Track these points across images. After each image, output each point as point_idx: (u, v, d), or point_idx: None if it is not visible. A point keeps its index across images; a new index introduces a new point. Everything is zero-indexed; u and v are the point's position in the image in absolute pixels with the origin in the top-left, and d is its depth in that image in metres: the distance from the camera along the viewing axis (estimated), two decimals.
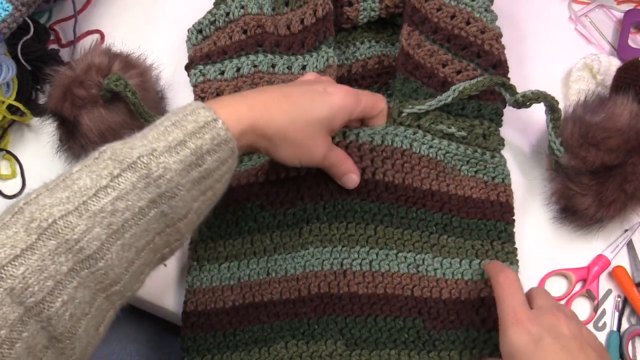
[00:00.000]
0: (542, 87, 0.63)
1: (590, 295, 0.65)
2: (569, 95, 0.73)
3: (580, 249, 0.67)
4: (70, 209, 0.42)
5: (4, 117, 0.71)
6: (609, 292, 0.66)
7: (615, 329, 0.64)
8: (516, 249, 0.64)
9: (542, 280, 0.65)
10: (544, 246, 0.67)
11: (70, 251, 0.41)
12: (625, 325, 0.64)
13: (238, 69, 0.68)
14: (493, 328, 0.58)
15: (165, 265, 0.51)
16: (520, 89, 0.63)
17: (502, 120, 0.67)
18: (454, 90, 0.63)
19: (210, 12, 0.70)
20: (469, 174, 0.65)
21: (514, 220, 0.65)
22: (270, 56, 0.68)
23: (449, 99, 0.63)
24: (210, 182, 0.48)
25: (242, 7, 0.69)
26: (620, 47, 0.76)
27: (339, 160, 0.60)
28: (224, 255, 0.62)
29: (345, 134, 0.63)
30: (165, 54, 0.72)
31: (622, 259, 0.67)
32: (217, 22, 0.70)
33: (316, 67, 0.67)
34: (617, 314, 0.65)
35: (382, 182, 0.61)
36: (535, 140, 0.71)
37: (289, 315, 0.58)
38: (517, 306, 0.51)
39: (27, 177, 0.73)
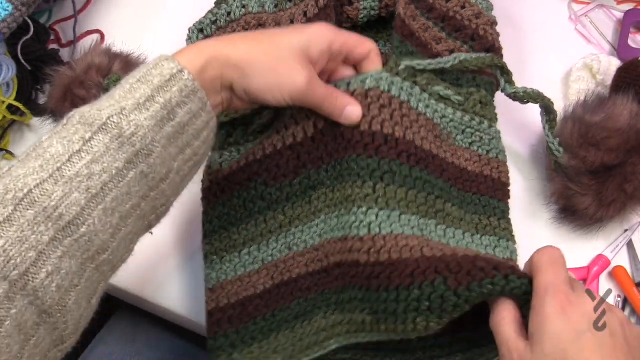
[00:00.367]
0: (542, 87, 0.63)
1: (590, 295, 0.65)
2: (569, 95, 0.73)
3: (580, 249, 0.67)
4: (45, 176, 0.41)
5: (4, 117, 0.71)
6: (609, 292, 0.66)
7: None
8: (511, 225, 0.62)
9: None
10: (544, 246, 0.67)
11: (49, 219, 0.40)
12: None
13: None
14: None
15: (152, 233, 0.50)
16: None
17: (494, 96, 0.66)
18: (455, 58, 0.60)
19: (211, 11, 0.70)
20: (464, 145, 0.62)
21: (508, 198, 0.63)
22: None
23: (449, 64, 0.60)
24: (187, 138, 0.47)
25: (244, 7, 0.69)
26: (620, 47, 0.76)
27: (331, 94, 0.54)
28: (241, 241, 0.60)
29: (336, 85, 0.57)
30: (165, 53, 0.72)
31: (622, 259, 0.67)
32: (218, 21, 0.70)
33: None
34: None
35: (380, 133, 0.55)
36: (534, 140, 0.71)
37: (319, 286, 0.56)
38: (560, 284, 0.44)
39: None
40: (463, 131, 0.62)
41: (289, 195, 0.59)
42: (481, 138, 0.63)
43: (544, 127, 0.63)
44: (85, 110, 0.44)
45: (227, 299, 0.58)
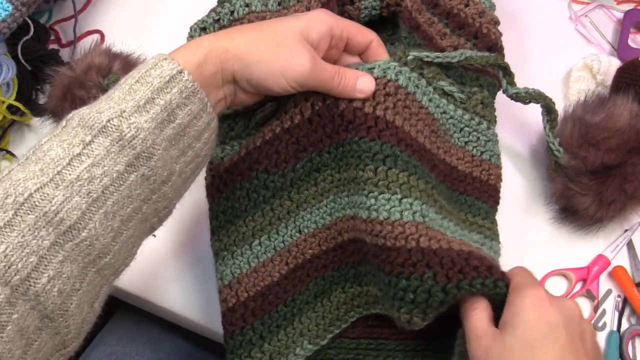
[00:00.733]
0: (542, 87, 0.63)
1: (590, 295, 0.65)
2: (569, 95, 0.73)
3: (580, 249, 0.67)
4: (45, 180, 0.40)
5: (4, 117, 0.71)
6: (609, 292, 0.66)
7: (615, 329, 0.64)
8: (496, 225, 0.63)
9: (542, 280, 0.65)
10: (544, 246, 0.67)
11: (50, 224, 0.40)
12: (625, 325, 0.64)
13: None
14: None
15: (154, 236, 0.50)
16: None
17: (495, 97, 0.66)
18: (462, 54, 0.60)
19: (214, 10, 0.70)
20: (459, 143, 0.62)
21: (495, 202, 0.63)
22: None
23: (455, 59, 0.60)
24: (188, 140, 0.47)
25: (247, 5, 0.69)
26: (620, 47, 0.76)
27: (337, 71, 0.53)
28: (250, 233, 0.59)
29: None
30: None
31: (622, 259, 0.67)
32: (221, 20, 0.69)
33: None
34: (617, 314, 0.65)
35: (383, 119, 0.55)
36: (535, 140, 0.71)
37: (335, 262, 0.58)
38: (537, 284, 0.46)
39: None
40: (461, 129, 0.62)
41: (293, 181, 0.58)
42: (478, 138, 0.63)
43: (545, 127, 0.63)
44: (84, 112, 0.43)
45: (246, 292, 0.58)
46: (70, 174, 0.41)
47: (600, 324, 0.64)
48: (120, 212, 0.43)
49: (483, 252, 0.51)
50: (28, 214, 0.40)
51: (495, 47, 0.65)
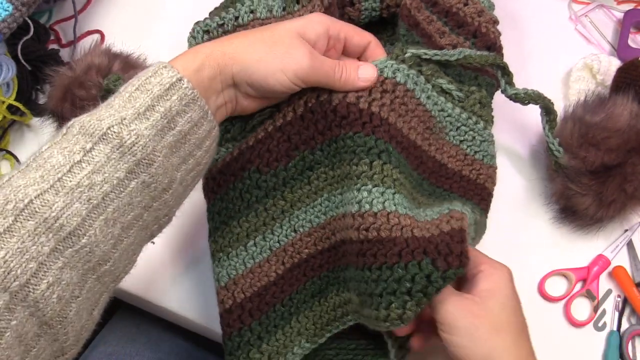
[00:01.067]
0: (542, 87, 0.63)
1: (590, 295, 0.65)
2: (569, 95, 0.73)
3: (580, 249, 0.67)
4: (45, 187, 0.41)
5: (4, 117, 0.71)
6: (609, 292, 0.66)
7: (615, 329, 0.64)
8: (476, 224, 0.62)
9: (542, 280, 0.65)
10: (544, 246, 0.67)
11: (50, 230, 0.40)
12: (625, 325, 0.64)
13: None
14: None
15: (153, 242, 0.50)
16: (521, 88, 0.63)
17: (493, 97, 0.65)
18: (460, 52, 0.60)
19: (218, 14, 0.69)
20: (454, 141, 0.61)
21: (484, 201, 0.63)
22: None
23: (454, 57, 0.59)
24: (189, 148, 0.47)
25: (252, 12, 0.68)
26: (620, 47, 0.76)
27: (337, 63, 0.53)
28: (244, 234, 0.59)
29: None
30: (165, 54, 0.72)
31: (622, 259, 0.67)
32: (225, 25, 0.69)
33: None
34: (617, 314, 0.65)
35: (378, 116, 0.54)
36: (534, 140, 0.71)
37: (330, 263, 0.57)
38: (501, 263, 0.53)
39: None
40: (457, 128, 0.61)
41: (286, 180, 0.57)
42: (473, 138, 0.62)
43: (544, 128, 0.63)
44: (85, 120, 0.44)
45: (243, 293, 0.58)
46: (70, 181, 0.41)
47: (600, 324, 0.64)
48: (121, 219, 0.43)
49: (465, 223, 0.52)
50: (28, 220, 0.40)
51: (494, 46, 0.64)
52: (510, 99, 0.62)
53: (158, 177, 0.45)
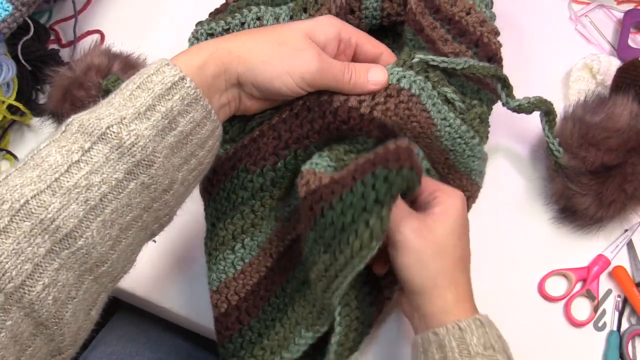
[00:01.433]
0: (542, 87, 0.63)
1: (590, 295, 0.65)
2: (569, 95, 0.73)
3: (580, 249, 0.67)
4: (42, 187, 0.40)
5: (4, 117, 0.71)
6: (609, 292, 0.66)
7: (615, 329, 0.64)
8: None
9: (542, 280, 0.65)
10: (544, 246, 0.67)
11: (46, 231, 0.39)
12: (625, 325, 0.64)
13: None
14: None
15: (155, 241, 0.49)
16: (521, 88, 0.63)
17: (491, 113, 0.65)
18: (466, 62, 0.59)
19: (224, 19, 0.69)
20: (443, 147, 0.60)
21: None
22: None
23: (459, 66, 0.58)
24: (191, 148, 0.46)
25: (259, 19, 0.67)
26: (620, 47, 0.76)
27: (347, 66, 0.51)
28: (230, 237, 0.57)
29: None
30: (165, 54, 0.72)
31: (622, 259, 0.67)
32: (231, 30, 0.68)
33: None
34: (617, 314, 0.65)
35: (378, 120, 0.53)
36: (534, 140, 0.71)
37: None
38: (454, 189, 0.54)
39: None
40: (454, 139, 0.60)
41: (275, 180, 0.55)
42: (463, 151, 0.61)
43: (544, 129, 0.63)
44: (84, 118, 0.43)
45: (237, 295, 0.57)
46: (68, 181, 0.40)
47: (600, 324, 0.64)
48: (119, 220, 0.43)
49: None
50: (24, 221, 0.39)
51: (495, 57, 0.64)
52: (514, 111, 0.61)
53: (158, 178, 0.44)
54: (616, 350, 0.63)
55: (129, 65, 0.66)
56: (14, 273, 0.38)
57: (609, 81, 0.72)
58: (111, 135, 0.42)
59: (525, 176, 0.70)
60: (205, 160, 0.49)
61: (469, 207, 0.65)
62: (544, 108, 0.62)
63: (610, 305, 0.65)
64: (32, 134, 0.75)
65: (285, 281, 0.57)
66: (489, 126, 0.64)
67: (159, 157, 0.44)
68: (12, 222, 0.39)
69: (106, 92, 0.61)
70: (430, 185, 0.52)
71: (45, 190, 0.40)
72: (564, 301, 0.65)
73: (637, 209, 0.65)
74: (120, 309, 0.76)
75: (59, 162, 0.41)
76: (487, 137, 0.64)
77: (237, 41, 0.50)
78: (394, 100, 0.54)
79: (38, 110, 0.73)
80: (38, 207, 0.39)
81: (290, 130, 0.54)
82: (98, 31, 0.80)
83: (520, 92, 0.62)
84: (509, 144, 0.70)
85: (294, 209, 0.57)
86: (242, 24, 0.68)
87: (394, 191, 0.46)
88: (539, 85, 0.73)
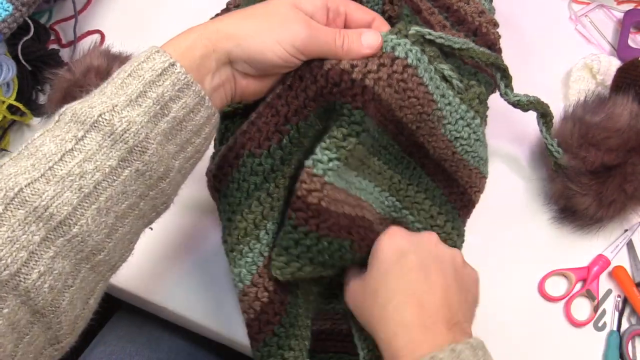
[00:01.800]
0: (542, 87, 0.63)
1: (590, 295, 0.65)
2: (569, 95, 0.73)
3: (580, 249, 0.67)
4: (36, 175, 0.40)
5: (4, 117, 0.71)
6: (609, 292, 0.66)
7: (615, 329, 0.64)
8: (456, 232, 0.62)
9: (542, 280, 0.65)
10: (544, 246, 0.67)
11: (40, 219, 0.39)
12: (625, 325, 0.64)
13: None
14: None
15: (151, 228, 0.49)
16: (521, 88, 0.63)
17: (489, 96, 0.63)
18: (465, 42, 0.56)
19: None
20: (449, 137, 0.57)
21: (464, 208, 0.62)
22: None
23: (458, 45, 0.55)
24: (186, 135, 0.46)
25: None
26: (620, 47, 0.76)
27: (339, 31, 0.50)
28: (252, 226, 0.54)
29: None
30: None
31: (622, 259, 0.67)
32: None
33: None
34: (617, 314, 0.65)
35: (371, 89, 0.50)
36: (534, 141, 0.71)
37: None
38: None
39: None
40: (456, 121, 0.57)
41: (283, 159, 0.53)
42: (468, 135, 0.58)
43: (541, 130, 0.63)
44: (77, 107, 0.43)
45: (273, 282, 0.53)
46: (61, 170, 0.41)
47: (600, 324, 0.64)
48: (115, 208, 0.43)
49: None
50: (18, 209, 0.39)
51: (493, 47, 0.63)
52: (513, 105, 0.60)
53: (152, 165, 0.44)
54: (616, 350, 0.63)
55: None
56: (9, 260, 0.38)
57: (609, 81, 0.72)
58: (103, 122, 0.42)
59: (524, 176, 0.70)
60: (202, 147, 0.49)
61: (476, 201, 0.63)
62: (541, 110, 0.61)
63: (610, 305, 0.65)
64: (32, 134, 0.74)
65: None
66: (488, 108, 0.62)
67: (152, 144, 0.44)
68: (7, 210, 0.39)
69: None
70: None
71: (40, 178, 0.40)
72: (564, 301, 0.65)
73: (637, 209, 0.65)
74: (120, 309, 0.76)
75: (53, 151, 0.41)
76: (486, 120, 0.62)
77: (225, 20, 0.49)
78: (387, 69, 0.51)
79: (38, 110, 0.73)
80: (32, 195, 0.40)
81: (287, 103, 0.52)
82: (98, 31, 0.80)
83: (521, 91, 0.62)
84: (509, 144, 0.70)
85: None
86: None
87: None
88: (539, 85, 0.73)
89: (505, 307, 0.64)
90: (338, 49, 0.50)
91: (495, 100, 0.65)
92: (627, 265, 0.66)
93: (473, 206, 0.63)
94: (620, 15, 0.79)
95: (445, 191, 0.60)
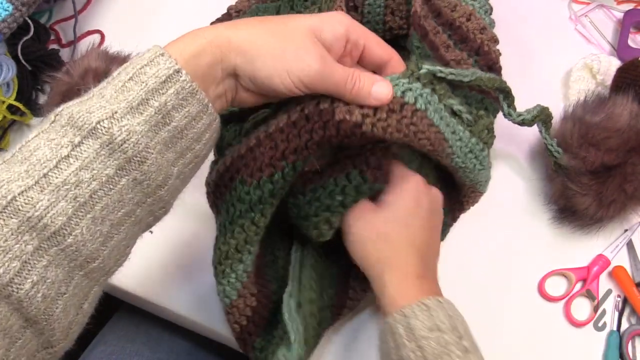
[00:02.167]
0: (542, 87, 0.63)
1: (590, 295, 0.65)
2: (569, 95, 0.73)
3: (580, 249, 0.67)
4: (30, 183, 0.39)
5: (4, 117, 0.71)
6: (609, 292, 0.66)
7: (615, 328, 0.64)
8: None
9: (542, 280, 0.65)
10: (544, 246, 0.67)
11: (34, 229, 0.38)
12: (625, 325, 0.64)
13: None
14: None
15: (151, 232, 0.48)
16: (521, 89, 0.63)
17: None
18: (473, 73, 0.56)
19: None
20: (454, 165, 0.58)
21: (451, 215, 0.65)
22: None
23: (467, 78, 0.56)
24: (186, 143, 0.44)
25: None
26: (620, 47, 0.76)
27: (352, 74, 0.48)
28: (234, 250, 0.54)
29: None
30: None
31: (622, 259, 0.67)
32: None
33: None
34: (617, 313, 0.65)
35: (380, 137, 0.50)
36: (534, 140, 0.71)
37: None
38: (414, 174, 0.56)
39: None
40: (465, 154, 0.58)
41: (273, 192, 0.51)
42: (474, 166, 0.60)
43: (541, 131, 0.64)
44: (74, 110, 0.41)
45: (254, 298, 0.55)
46: (56, 178, 0.39)
47: (600, 324, 0.64)
48: (110, 216, 0.42)
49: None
50: (11, 218, 0.38)
51: (494, 66, 0.63)
52: (518, 124, 0.61)
53: (151, 174, 0.43)
54: (616, 350, 0.63)
55: None
56: (1, 271, 0.37)
57: (609, 81, 0.72)
58: (102, 130, 0.40)
59: (524, 176, 0.70)
60: (202, 152, 0.47)
61: (466, 209, 0.66)
62: (544, 118, 0.62)
63: (610, 305, 0.65)
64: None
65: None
66: (495, 136, 0.63)
67: (152, 153, 0.42)
68: None
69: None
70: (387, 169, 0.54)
71: (34, 186, 0.39)
72: (564, 301, 0.65)
73: (637, 209, 0.65)
74: (120, 309, 0.76)
75: (48, 156, 0.40)
76: (492, 145, 0.63)
77: (239, 30, 0.46)
78: (396, 116, 0.50)
79: (38, 110, 0.73)
80: (25, 204, 0.38)
81: (287, 140, 0.50)
82: (98, 31, 0.80)
83: (521, 91, 0.62)
84: (509, 143, 0.70)
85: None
86: None
87: (359, 198, 0.52)
88: (539, 85, 0.74)
89: (505, 307, 0.64)
90: (347, 91, 0.48)
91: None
92: (627, 265, 0.66)
93: (461, 212, 0.66)
94: (620, 15, 0.79)
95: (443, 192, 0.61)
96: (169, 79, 0.43)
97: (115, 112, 0.41)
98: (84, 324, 0.45)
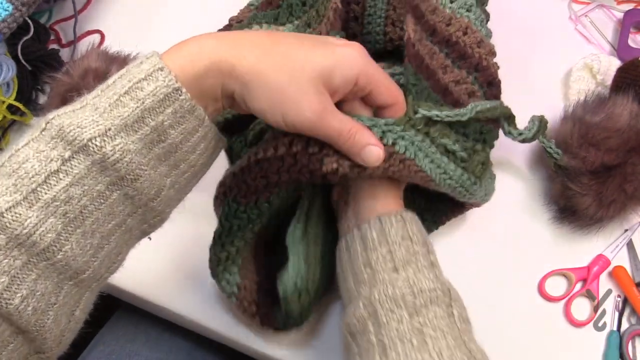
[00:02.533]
0: (542, 87, 0.63)
1: (590, 295, 0.65)
2: (569, 95, 0.73)
3: (580, 249, 0.67)
4: (18, 198, 0.37)
5: (4, 117, 0.71)
6: (609, 292, 0.66)
7: (615, 329, 0.64)
8: None
9: (542, 280, 0.65)
10: (544, 246, 0.67)
11: (22, 245, 0.37)
12: (625, 325, 0.64)
13: None
14: None
15: (150, 238, 0.47)
16: (521, 89, 0.63)
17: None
18: (471, 110, 0.56)
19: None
20: (444, 191, 0.59)
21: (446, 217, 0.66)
22: None
23: (466, 117, 0.56)
24: (181, 155, 0.44)
25: None
26: (620, 47, 0.76)
27: (348, 130, 0.47)
28: (231, 259, 0.57)
29: None
30: None
31: (622, 259, 0.67)
32: None
33: None
34: (617, 313, 0.65)
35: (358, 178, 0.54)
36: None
37: None
38: None
39: None
40: (454, 189, 0.58)
41: (260, 214, 0.54)
42: (463, 196, 0.59)
43: (538, 138, 0.63)
44: (65, 122, 0.40)
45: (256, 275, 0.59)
46: (45, 193, 0.38)
47: (600, 324, 0.64)
48: (100, 229, 0.41)
49: None
50: None
51: (494, 80, 0.62)
52: (520, 142, 0.61)
53: (143, 190, 0.42)
54: (616, 350, 0.63)
55: None
56: None
57: (609, 81, 0.72)
58: (93, 148, 0.39)
59: (524, 176, 0.70)
60: (199, 162, 0.46)
61: (461, 212, 0.66)
62: (542, 128, 0.62)
63: (610, 305, 0.65)
64: None
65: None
66: (492, 166, 0.62)
67: (145, 170, 0.41)
68: None
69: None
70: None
71: (22, 202, 0.38)
72: (564, 301, 0.65)
73: (637, 209, 0.65)
74: (120, 309, 0.76)
75: (37, 169, 0.38)
76: (490, 177, 0.63)
77: (243, 57, 0.45)
78: (383, 164, 0.51)
79: (38, 110, 0.73)
80: (13, 220, 0.37)
81: (277, 173, 0.51)
82: (98, 31, 0.80)
83: (521, 91, 0.62)
84: (509, 144, 0.70)
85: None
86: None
87: None
88: (539, 85, 0.74)
89: (505, 307, 0.64)
90: (338, 144, 0.48)
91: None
92: (627, 265, 0.66)
93: (459, 214, 0.66)
94: (620, 15, 0.79)
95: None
96: (167, 97, 0.42)
97: (109, 129, 0.40)
98: (77, 330, 0.44)
